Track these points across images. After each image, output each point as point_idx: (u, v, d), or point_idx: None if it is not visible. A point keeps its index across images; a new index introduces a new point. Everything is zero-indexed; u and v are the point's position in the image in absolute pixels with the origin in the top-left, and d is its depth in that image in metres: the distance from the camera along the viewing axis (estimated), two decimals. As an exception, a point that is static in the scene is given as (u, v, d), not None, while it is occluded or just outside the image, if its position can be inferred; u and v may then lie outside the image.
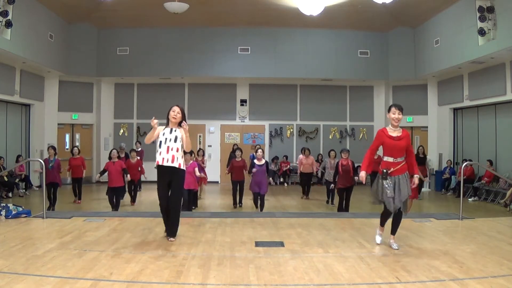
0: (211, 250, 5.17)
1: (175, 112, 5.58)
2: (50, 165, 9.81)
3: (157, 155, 5.54)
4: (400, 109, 5.22)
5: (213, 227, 6.50)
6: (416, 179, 5.37)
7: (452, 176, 13.77)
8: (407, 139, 5.24)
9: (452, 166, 14.13)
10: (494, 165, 12.26)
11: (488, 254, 5.00)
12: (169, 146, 5.48)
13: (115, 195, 9.56)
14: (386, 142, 5.20)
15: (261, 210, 9.52)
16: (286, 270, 4.40)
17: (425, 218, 7.31)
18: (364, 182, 5.40)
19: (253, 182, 9.67)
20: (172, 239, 5.51)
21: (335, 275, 4.25)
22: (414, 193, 8.97)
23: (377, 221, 7.03)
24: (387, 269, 4.43)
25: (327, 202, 11.59)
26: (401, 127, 5.36)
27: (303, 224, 6.76)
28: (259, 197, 9.69)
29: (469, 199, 12.39)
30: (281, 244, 5.49)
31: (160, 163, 5.49)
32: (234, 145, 14.96)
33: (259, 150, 9.83)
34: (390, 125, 5.28)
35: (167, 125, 5.64)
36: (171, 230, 5.59)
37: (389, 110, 5.30)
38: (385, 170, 5.17)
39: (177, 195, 5.63)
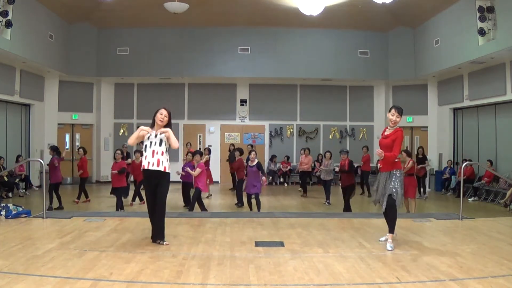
0: (211, 250, 5.17)
1: (163, 115, 5.49)
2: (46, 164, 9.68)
3: (143, 159, 5.48)
4: (399, 111, 5.35)
5: (213, 227, 6.51)
6: (377, 151, 5.36)
7: (452, 176, 13.77)
8: (392, 137, 5.32)
9: (452, 166, 14.13)
10: (494, 165, 12.26)
11: (488, 254, 5.00)
12: (154, 150, 5.39)
13: (116, 196, 9.53)
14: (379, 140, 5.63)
15: (258, 209, 9.47)
16: (286, 270, 4.40)
17: (425, 218, 7.31)
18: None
19: (246, 183, 9.87)
20: (165, 242, 5.35)
21: (335, 275, 4.25)
22: (411, 193, 9.06)
23: (377, 221, 7.06)
24: (387, 269, 4.43)
25: (325, 202, 11.52)
26: (400, 126, 5.43)
27: (303, 224, 6.76)
28: (252, 198, 9.71)
29: (469, 199, 12.38)
30: (281, 244, 5.49)
31: (146, 167, 5.40)
32: (230, 145, 15.01)
33: (252, 152, 9.92)
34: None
35: (152, 127, 5.53)
36: (159, 233, 5.42)
37: (389, 110, 5.47)
38: (377, 166, 5.63)
39: (163, 199, 5.48)
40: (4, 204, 7.12)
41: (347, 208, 9.77)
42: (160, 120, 5.46)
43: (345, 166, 9.87)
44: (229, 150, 14.32)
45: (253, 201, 9.66)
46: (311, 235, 6.05)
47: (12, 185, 12.16)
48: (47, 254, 4.80)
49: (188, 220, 7.13)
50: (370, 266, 4.54)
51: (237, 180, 11.44)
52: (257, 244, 5.48)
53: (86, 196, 11.49)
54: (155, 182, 5.42)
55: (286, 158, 16.20)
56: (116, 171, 9.42)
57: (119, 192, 9.57)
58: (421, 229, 6.50)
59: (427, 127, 15.70)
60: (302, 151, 13.77)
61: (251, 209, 9.71)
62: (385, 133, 5.46)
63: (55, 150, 10.69)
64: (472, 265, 4.52)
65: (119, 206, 9.44)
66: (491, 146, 12.75)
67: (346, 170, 9.85)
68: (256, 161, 9.75)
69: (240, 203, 10.97)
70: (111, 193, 9.88)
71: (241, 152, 11.32)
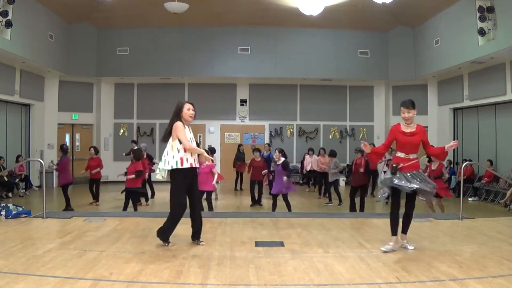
0: (211, 250, 5.16)
1: (191, 110, 5.26)
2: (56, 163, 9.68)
3: (188, 156, 5.16)
4: (407, 106, 5.09)
5: (213, 227, 6.50)
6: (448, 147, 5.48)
7: (452, 176, 13.75)
8: (421, 135, 5.19)
9: (452, 166, 14.13)
10: (494, 165, 12.26)
11: (488, 254, 4.99)
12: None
13: (130, 197, 9.15)
14: (399, 137, 5.14)
15: (289, 210, 9.14)
16: (286, 270, 4.39)
17: (425, 218, 7.30)
18: (364, 148, 5.26)
19: (274, 183, 9.65)
20: (202, 242, 5.38)
21: (335, 275, 4.24)
22: (444, 191, 8.73)
23: (377, 221, 7.06)
24: (387, 269, 4.43)
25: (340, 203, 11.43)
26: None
27: (303, 224, 6.75)
28: (279, 199, 9.46)
29: (469, 199, 12.38)
30: (281, 244, 5.48)
31: (193, 165, 5.22)
32: (239, 145, 15.08)
33: (276, 151, 9.68)
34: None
35: (176, 122, 5.22)
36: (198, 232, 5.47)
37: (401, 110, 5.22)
38: (395, 165, 5.11)
39: (199, 195, 5.49)
40: (4, 204, 7.11)
41: (362, 207, 9.53)
42: (190, 116, 5.27)
43: (362, 166, 9.52)
44: (238, 149, 14.31)
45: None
46: (311, 235, 6.05)
47: (12, 185, 12.16)
48: (47, 254, 4.80)
49: (188, 220, 7.11)
50: (370, 266, 4.54)
51: (251, 178, 11.31)
52: (257, 244, 5.48)
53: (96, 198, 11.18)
54: (190, 181, 5.28)
55: (286, 158, 16.19)
56: (133, 176, 8.94)
57: (132, 194, 9.17)
58: (421, 229, 6.48)
59: (427, 127, 15.66)
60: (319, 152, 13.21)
61: (273, 210, 9.33)
62: (408, 130, 5.12)
63: (64, 149, 10.30)
64: (472, 265, 4.52)
65: (133, 207, 9.18)
66: (491, 146, 12.75)
67: (369, 170, 9.60)
68: (282, 159, 9.41)
69: (260, 203, 10.85)
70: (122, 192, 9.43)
71: (260, 152, 11.27)
